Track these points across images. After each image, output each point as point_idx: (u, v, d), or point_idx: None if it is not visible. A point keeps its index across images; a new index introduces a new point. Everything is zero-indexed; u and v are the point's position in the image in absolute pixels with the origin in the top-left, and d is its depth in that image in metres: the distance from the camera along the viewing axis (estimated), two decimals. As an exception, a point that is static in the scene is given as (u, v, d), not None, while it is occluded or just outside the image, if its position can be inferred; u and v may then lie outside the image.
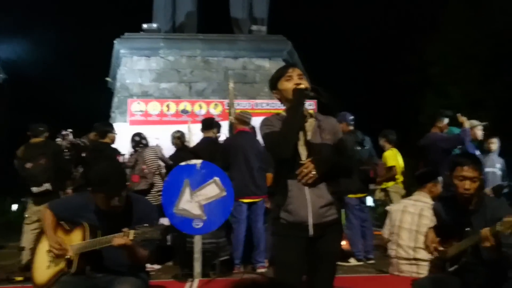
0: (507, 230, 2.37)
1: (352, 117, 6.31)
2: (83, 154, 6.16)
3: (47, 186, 5.46)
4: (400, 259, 4.92)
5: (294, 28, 16.55)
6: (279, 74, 2.66)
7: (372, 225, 6.67)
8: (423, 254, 4.55)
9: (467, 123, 5.93)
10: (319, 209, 2.46)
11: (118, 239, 2.66)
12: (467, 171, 2.88)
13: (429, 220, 4.70)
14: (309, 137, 2.55)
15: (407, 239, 4.87)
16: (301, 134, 2.56)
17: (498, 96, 17.94)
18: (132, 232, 2.65)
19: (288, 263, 2.51)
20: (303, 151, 2.53)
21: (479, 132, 6.32)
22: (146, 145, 6.37)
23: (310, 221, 2.44)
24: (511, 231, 2.35)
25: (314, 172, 2.43)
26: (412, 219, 4.90)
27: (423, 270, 4.30)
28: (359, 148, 6.13)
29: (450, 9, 19.56)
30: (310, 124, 2.61)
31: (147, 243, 2.76)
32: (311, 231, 2.45)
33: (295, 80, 2.58)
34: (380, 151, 6.91)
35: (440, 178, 5.11)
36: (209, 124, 6.13)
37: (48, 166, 5.51)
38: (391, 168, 6.88)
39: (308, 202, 2.45)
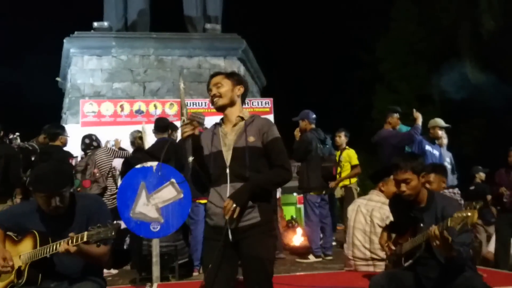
0: (457, 225, 2.45)
1: (314, 116, 6.39)
2: (33, 158, 5.90)
3: None
4: (357, 260, 4.86)
5: (249, 26, 16.55)
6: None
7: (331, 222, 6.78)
8: (380, 254, 4.56)
9: (420, 119, 6.04)
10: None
11: (61, 246, 2.57)
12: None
13: (378, 219, 4.74)
14: (232, 142, 2.57)
15: (362, 239, 4.83)
16: (224, 139, 2.63)
17: (444, 91, 18.63)
18: (85, 234, 2.55)
19: (209, 265, 2.52)
20: (227, 156, 2.56)
21: (440, 132, 6.59)
22: (98, 146, 6.08)
23: (228, 226, 2.45)
24: (461, 226, 2.44)
25: (235, 205, 2.41)
26: (364, 219, 4.86)
27: (381, 270, 4.22)
28: (321, 146, 6.22)
29: (398, 6, 20.13)
30: (238, 127, 2.62)
31: (102, 243, 2.67)
32: (230, 235, 2.45)
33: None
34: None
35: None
36: (165, 127, 5.95)
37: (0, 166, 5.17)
38: (356, 166, 7.09)
39: None
